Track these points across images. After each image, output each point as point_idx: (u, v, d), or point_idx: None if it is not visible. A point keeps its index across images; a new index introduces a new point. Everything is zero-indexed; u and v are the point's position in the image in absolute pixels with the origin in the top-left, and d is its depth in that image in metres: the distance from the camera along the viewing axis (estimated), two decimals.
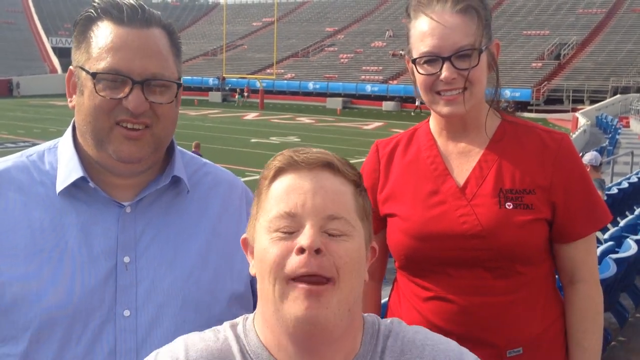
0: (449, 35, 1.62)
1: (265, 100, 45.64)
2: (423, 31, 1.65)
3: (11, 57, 63.22)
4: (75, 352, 1.33)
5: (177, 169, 1.46)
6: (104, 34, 1.35)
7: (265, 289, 1.07)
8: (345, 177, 1.12)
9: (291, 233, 1.05)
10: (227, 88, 52.41)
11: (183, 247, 1.44)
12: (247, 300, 1.48)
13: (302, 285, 1.02)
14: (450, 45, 1.62)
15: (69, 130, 1.46)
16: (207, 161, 1.61)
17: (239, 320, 1.19)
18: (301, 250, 1.03)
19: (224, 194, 1.54)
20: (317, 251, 1.03)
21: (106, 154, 1.37)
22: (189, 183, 1.48)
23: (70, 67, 1.42)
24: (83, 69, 1.36)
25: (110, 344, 1.34)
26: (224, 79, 52.12)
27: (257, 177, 1.19)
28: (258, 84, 48.50)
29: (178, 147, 1.52)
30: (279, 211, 1.06)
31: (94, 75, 1.33)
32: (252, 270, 1.13)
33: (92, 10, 1.38)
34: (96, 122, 1.35)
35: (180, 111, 1.50)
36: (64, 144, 1.45)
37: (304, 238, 1.03)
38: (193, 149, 14.40)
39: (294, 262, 1.03)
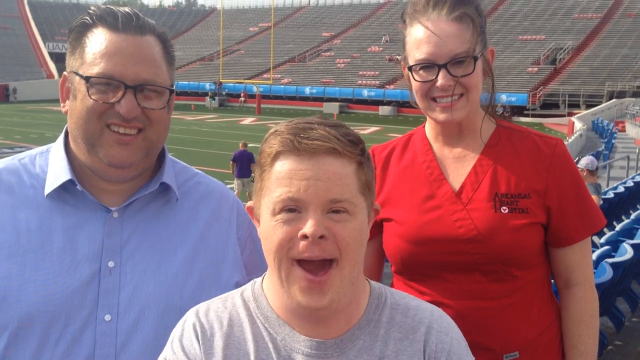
0: (444, 43, 1.63)
1: (262, 105, 45.66)
2: (419, 38, 1.67)
3: (8, 63, 63.23)
4: (53, 354, 1.32)
5: (166, 176, 1.47)
6: (98, 40, 1.36)
7: (271, 266, 1.15)
8: (347, 158, 1.14)
9: (294, 211, 1.11)
10: (224, 93, 52.43)
11: (169, 254, 1.44)
12: None
13: (305, 274, 1.10)
14: (446, 53, 1.63)
15: (62, 135, 1.47)
16: (199, 171, 1.62)
17: (248, 285, 1.27)
18: (305, 237, 1.09)
19: (215, 204, 1.54)
20: (321, 237, 1.09)
21: (97, 158, 1.38)
22: (179, 192, 1.49)
23: (65, 72, 1.44)
24: (77, 74, 1.37)
25: (89, 348, 1.34)
26: (220, 84, 52.14)
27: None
28: (255, 89, 48.48)
29: (170, 156, 1.53)
30: (282, 196, 1.11)
31: (87, 79, 1.34)
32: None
33: (88, 17, 1.39)
34: (87, 124, 1.36)
35: (177, 116, 1.52)
36: (56, 148, 1.47)
37: (308, 226, 1.08)
38: (242, 148, 14.60)
39: (298, 247, 1.09)
